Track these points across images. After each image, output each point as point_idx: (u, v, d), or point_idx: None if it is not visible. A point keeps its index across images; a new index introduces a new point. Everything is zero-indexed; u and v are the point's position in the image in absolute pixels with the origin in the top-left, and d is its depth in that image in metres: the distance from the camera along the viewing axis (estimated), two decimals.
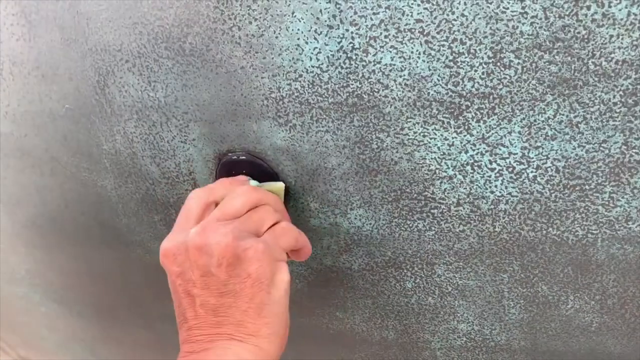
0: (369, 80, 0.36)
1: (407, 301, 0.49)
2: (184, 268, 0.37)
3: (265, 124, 0.42)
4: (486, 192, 0.39)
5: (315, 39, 0.36)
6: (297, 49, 0.37)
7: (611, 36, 0.31)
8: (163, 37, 0.41)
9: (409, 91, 0.36)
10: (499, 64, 0.33)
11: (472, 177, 0.39)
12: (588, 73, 0.32)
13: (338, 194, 0.44)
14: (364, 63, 0.36)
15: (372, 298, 0.51)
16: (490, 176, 0.38)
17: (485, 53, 0.33)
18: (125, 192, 0.55)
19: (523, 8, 0.31)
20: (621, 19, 0.30)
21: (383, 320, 0.52)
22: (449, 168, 0.39)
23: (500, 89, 0.34)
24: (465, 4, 0.32)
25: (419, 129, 0.38)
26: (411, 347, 0.53)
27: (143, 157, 0.50)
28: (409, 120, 0.37)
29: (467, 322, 0.48)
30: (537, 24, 0.31)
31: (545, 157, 0.36)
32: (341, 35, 0.35)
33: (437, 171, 0.39)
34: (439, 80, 0.35)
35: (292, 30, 0.36)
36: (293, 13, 0.36)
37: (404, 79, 0.36)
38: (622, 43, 0.31)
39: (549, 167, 0.36)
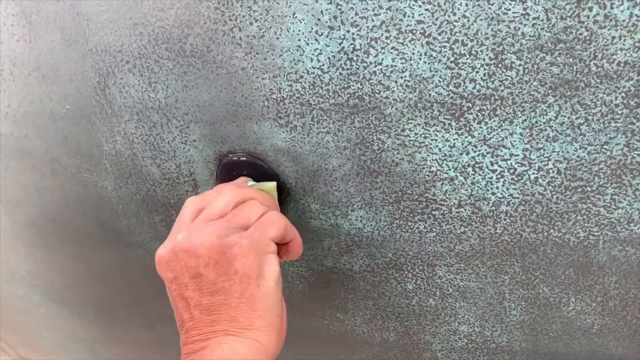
0: (370, 81, 0.36)
1: (408, 303, 0.49)
2: (176, 273, 0.37)
3: (266, 125, 0.42)
4: (487, 194, 0.39)
5: (316, 40, 0.36)
6: (298, 50, 0.37)
7: (613, 38, 0.30)
8: (164, 38, 0.41)
9: (410, 92, 0.36)
10: (500, 65, 0.33)
11: (474, 178, 0.38)
12: (590, 74, 0.32)
13: (339, 195, 0.44)
14: (365, 64, 0.36)
15: (373, 299, 0.51)
16: (491, 178, 0.38)
17: (487, 54, 0.33)
18: (126, 193, 0.54)
19: (525, 9, 0.31)
20: (623, 21, 0.30)
21: (384, 322, 0.52)
22: (450, 169, 0.39)
23: (502, 91, 0.34)
24: (466, 5, 0.32)
25: (420, 131, 0.37)
26: (412, 349, 0.53)
27: (144, 158, 0.50)
28: (410, 121, 0.37)
29: (468, 323, 0.48)
30: (539, 25, 0.31)
31: (546, 159, 0.36)
32: (342, 37, 0.35)
33: (438, 173, 0.39)
34: (440, 82, 0.35)
35: (293, 31, 0.36)
36: (294, 14, 0.36)
37: (405, 80, 0.36)
38: (624, 44, 0.31)
39: (551, 168, 0.36)
